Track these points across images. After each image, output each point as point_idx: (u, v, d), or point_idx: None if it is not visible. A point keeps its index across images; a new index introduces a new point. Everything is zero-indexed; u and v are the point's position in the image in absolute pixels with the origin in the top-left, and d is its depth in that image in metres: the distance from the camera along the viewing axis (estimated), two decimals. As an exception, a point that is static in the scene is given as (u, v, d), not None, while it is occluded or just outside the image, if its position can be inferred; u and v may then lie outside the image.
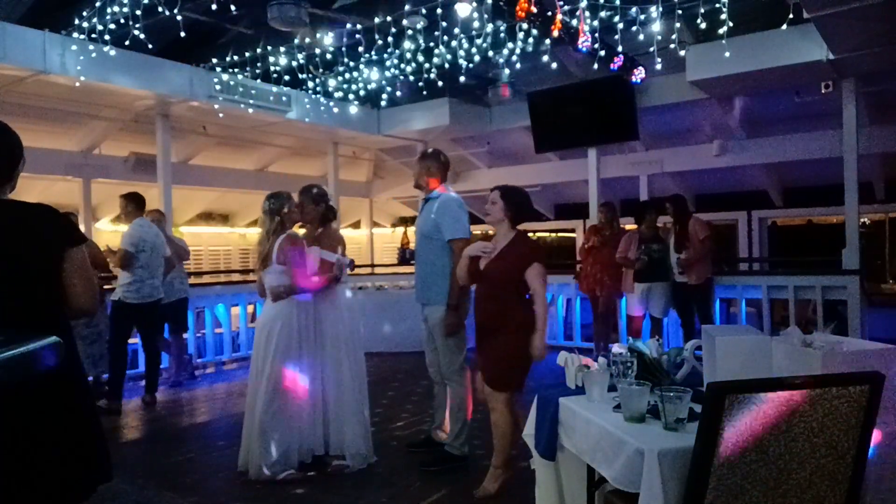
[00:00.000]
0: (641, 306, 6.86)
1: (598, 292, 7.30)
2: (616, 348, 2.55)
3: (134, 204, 5.89)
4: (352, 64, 7.66)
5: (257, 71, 7.87)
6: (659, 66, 6.51)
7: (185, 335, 7.06)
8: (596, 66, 7.38)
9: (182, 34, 6.26)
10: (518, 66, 7.67)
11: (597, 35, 6.67)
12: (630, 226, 7.37)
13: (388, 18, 6.58)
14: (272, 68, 7.76)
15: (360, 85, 8.53)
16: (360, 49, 7.09)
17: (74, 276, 1.92)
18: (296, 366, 3.95)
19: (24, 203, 1.98)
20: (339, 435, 4.04)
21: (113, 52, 6.72)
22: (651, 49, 6.21)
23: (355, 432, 4.05)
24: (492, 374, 3.55)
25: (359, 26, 6.81)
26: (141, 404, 5.97)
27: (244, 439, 3.99)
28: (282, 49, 7.47)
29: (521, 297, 3.47)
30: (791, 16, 5.62)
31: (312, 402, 4.02)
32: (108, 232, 11.38)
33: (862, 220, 8.49)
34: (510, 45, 7.01)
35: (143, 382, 6.94)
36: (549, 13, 6.27)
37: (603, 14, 6.04)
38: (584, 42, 6.56)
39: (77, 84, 6.84)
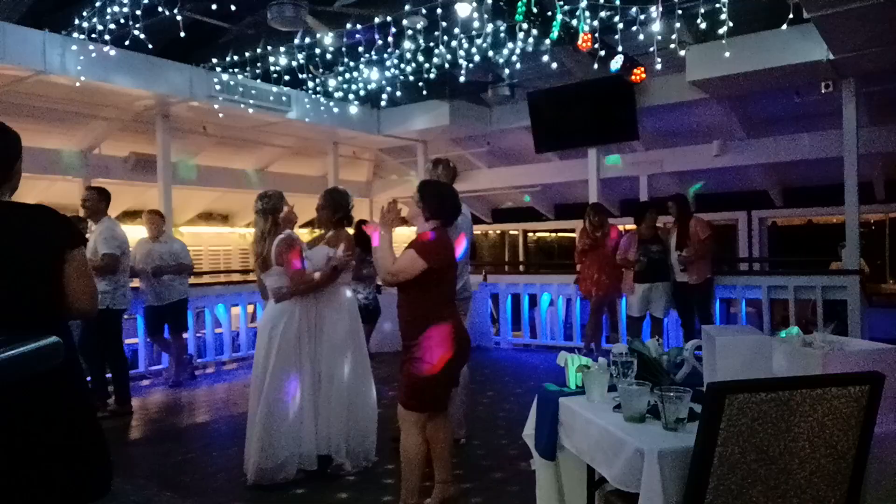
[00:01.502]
0: (642, 308, 6.86)
1: (595, 293, 7.30)
2: (616, 348, 2.55)
3: (106, 200, 5.59)
4: (352, 64, 7.66)
5: (257, 71, 7.87)
6: (659, 66, 6.51)
7: (185, 335, 7.06)
8: (596, 66, 7.38)
9: (182, 34, 6.26)
10: (518, 66, 7.67)
11: (597, 35, 6.66)
12: (630, 226, 7.37)
13: (388, 18, 6.58)
14: (272, 68, 7.76)
15: (360, 85, 8.53)
16: (360, 49, 7.10)
17: (74, 277, 1.92)
18: (295, 368, 3.94)
19: (23, 204, 1.98)
20: (338, 434, 4.01)
21: (113, 52, 6.72)
22: (651, 49, 6.20)
23: (355, 432, 4.04)
24: (400, 389, 3.26)
25: (359, 26, 6.81)
26: (139, 404, 5.96)
27: (247, 442, 3.98)
28: (282, 49, 7.47)
29: (427, 301, 3.15)
30: (791, 16, 5.61)
31: (312, 405, 3.99)
32: (108, 232, 11.36)
33: (868, 219, 8.53)
34: (510, 45, 7.01)
35: (143, 382, 6.97)
36: (549, 13, 6.27)
37: (603, 14, 6.03)
38: (584, 42, 6.55)
39: (77, 84, 6.84)
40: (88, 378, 5.96)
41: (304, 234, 12.69)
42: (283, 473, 3.85)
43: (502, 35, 6.88)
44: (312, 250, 4.10)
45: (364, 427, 4.10)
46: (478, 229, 15.06)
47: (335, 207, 4.22)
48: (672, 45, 6.34)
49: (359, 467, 4.01)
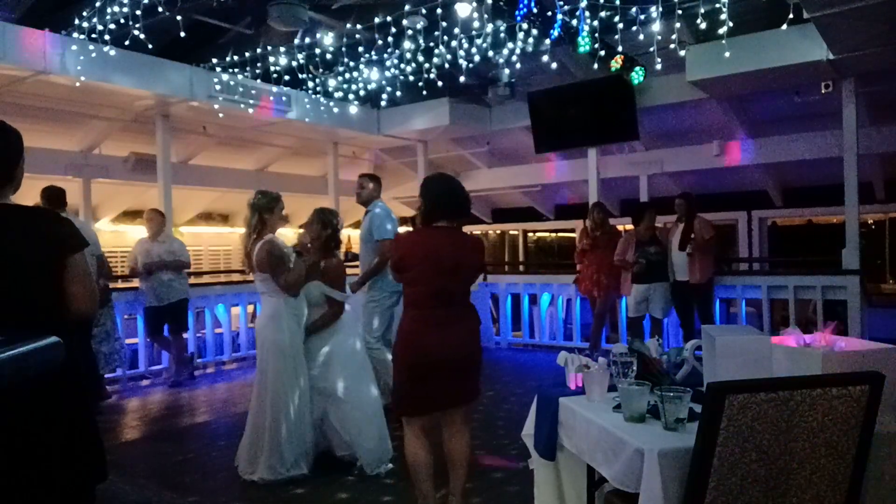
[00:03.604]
0: (641, 309, 6.86)
1: (596, 293, 7.30)
2: (616, 348, 2.55)
3: (48, 199, 5.47)
4: (352, 64, 7.66)
5: (257, 71, 7.87)
6: (659, 66, 6.51)
7: (185, 335, 7.04)
8: (596, 66, 7.39)
9: (182, 34, 6.26)
10: (518, 66, 7.66)
11: (597, 35, 6.66)
12: (630, 226, 7.37)
13: (388, 18, 6.57)
14: (272, 68, 7.76)
15: (360, 85, 8.52)
16: (360, 49, 7.09)
17: (75, 280, 1.92)
18: (299, 370, 3.97)
19: (26, 207, 1.98)
20: (349, 436, 4.03)
21: (113, 52, 6.71)
22: (651, 49, 6.20)
23: (367, 434, 4.04)
24: None
25: (359, 25, 6.81)
26: (139, 404, 5.97)
27: (246, 440, 3.99)
28: (282, 49, 7.46)
29: (405, 300, 3.19)
30: (791, 16, 5.61)
31: (316, 405, 4.04)
32: (109, 232, 11.39)
33: (867, 220, 8.55)
34: (510, 45, 7.01)
35: (143, 382, 6.97)
36: (549, 13, 6.28)
37: (603, 14, 6.03)
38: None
39: (77, 84, 6.84)
40: None
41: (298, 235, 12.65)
42: (292, 472, 3.87)
43: (502, 35, 6.88)
44: (307, 286, 4.07)
45: (377, 429, 4.08)
46: (478, 229, 15.06)
47: (322, 221, 4.23)
48: (672, 45, 6.33)
49: (373, 470, 3.98)
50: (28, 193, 9.07)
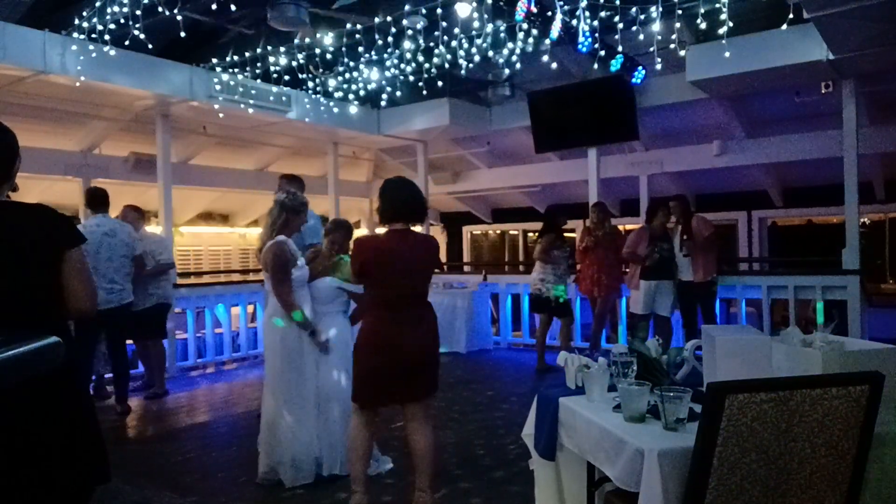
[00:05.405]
0: (647, 306, 6.84)
1: (596, 293, 7.30)
2: (616, 348, 2.55)
3: (87, 201, 5.30)
4: (352, 64, 7.66)
5: (257, 71, 7.87)
6: (659, 66, 6.51)
7: (163, 341, 6.74)
8: (596, 66, 7.38)
9: (182, 34, 6.25)
10: (518, 66, 7.67)
11: (597, 35, 6.66)
12: (630, 225, 7.37)
13: (388, 18, 6.57)
14: (272, 68, 7.76)
15: (360, 85, 8.52)
16: (360, 49, 7.09)
17: (74, 277, 1.92)
18: (302, 371, 3.96)
19: (24, 204, 1.98)
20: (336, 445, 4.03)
21: (113, 52, 6.71)
22: (651, 49, 6.20)
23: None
24: None
25: (359, 26, 6.81)
26: (142, 404, 5.98)
27: (265, 444, 3.97)
28: (282, 49, 7.46)
29: (369, 301, 3.37)
30: (791, 16, 5.60)
31: (317, 408, 4.03)
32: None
33: (863, 220, 8.54)
34: (510, 45, 7.00)
35: (141, 382, 6.97)
36: (550, 13, 6.27)
37: (603, 14, 6.03)
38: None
39: (77, 84, 6.84)
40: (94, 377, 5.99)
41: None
42: (291, 472, 3.87)
43: (502, 35, 6.87)
44: (316, 281, 4.05)
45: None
46: (478, 229, 15.06)
47: (347, 235, 4.28)
48: (672, 45, 6.33)
49: (377, 469, 4.00)
50: (29, 193, 9.06)
